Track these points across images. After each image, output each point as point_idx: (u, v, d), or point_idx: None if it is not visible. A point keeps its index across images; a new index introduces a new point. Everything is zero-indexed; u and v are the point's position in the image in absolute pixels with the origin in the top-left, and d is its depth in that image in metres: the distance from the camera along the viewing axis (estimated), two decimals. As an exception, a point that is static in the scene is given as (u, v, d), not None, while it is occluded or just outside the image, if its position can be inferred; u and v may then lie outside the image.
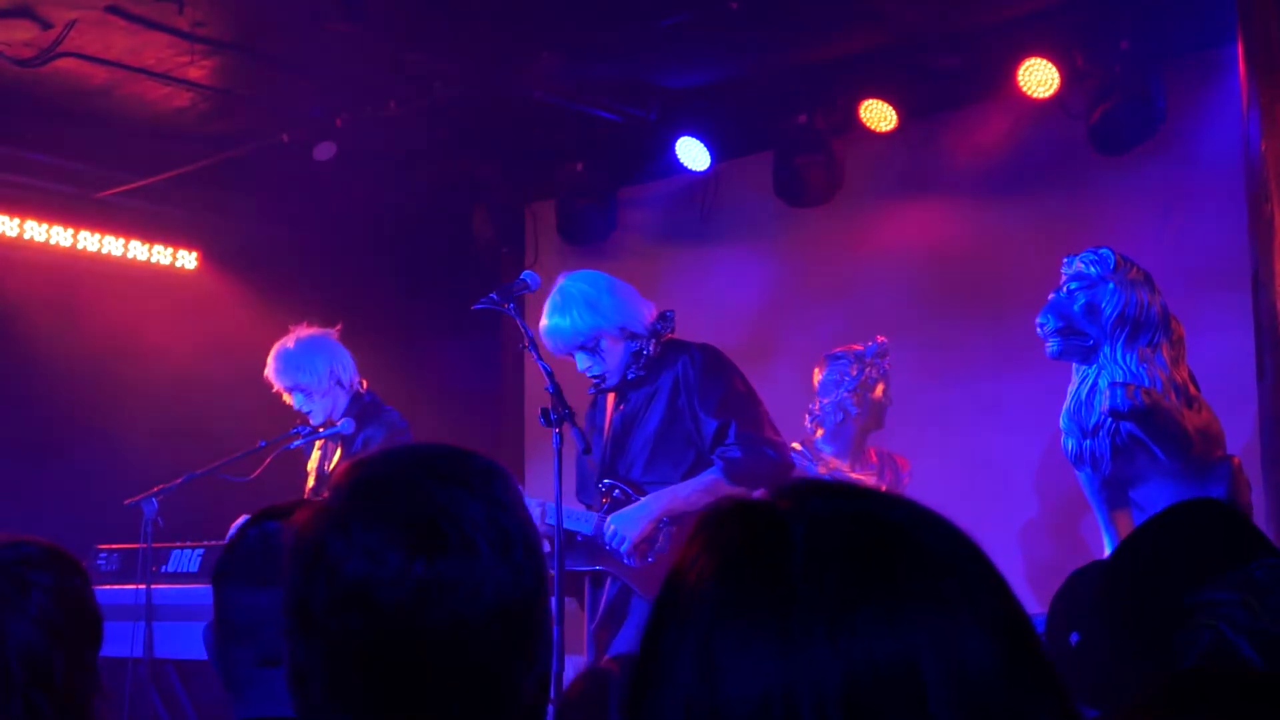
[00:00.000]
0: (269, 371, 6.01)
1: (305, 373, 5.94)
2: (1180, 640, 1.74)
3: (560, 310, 4.98)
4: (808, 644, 0.91)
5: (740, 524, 1.00)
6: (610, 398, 5.16)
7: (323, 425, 5.96)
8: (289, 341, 6.01)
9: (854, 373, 6.53)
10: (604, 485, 5.05)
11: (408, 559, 1.41)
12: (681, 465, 4.93)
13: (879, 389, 6.53)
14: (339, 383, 5.97)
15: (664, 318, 5.05)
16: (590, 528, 4.96)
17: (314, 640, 1.43)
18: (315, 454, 6.18)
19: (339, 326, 6.15)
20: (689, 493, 4.90)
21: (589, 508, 5.12)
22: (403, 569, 1.40)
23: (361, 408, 5.97)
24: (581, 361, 5.03)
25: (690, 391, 4.92)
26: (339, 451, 6.02)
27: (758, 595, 0.94)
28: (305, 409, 6.00)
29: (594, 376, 5.06)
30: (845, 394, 6.47)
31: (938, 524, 1.00)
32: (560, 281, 5.08)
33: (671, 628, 0.98)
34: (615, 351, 4.98)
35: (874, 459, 6.61)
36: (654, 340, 5.00)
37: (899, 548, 0.96)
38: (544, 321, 5.02)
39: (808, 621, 0.92)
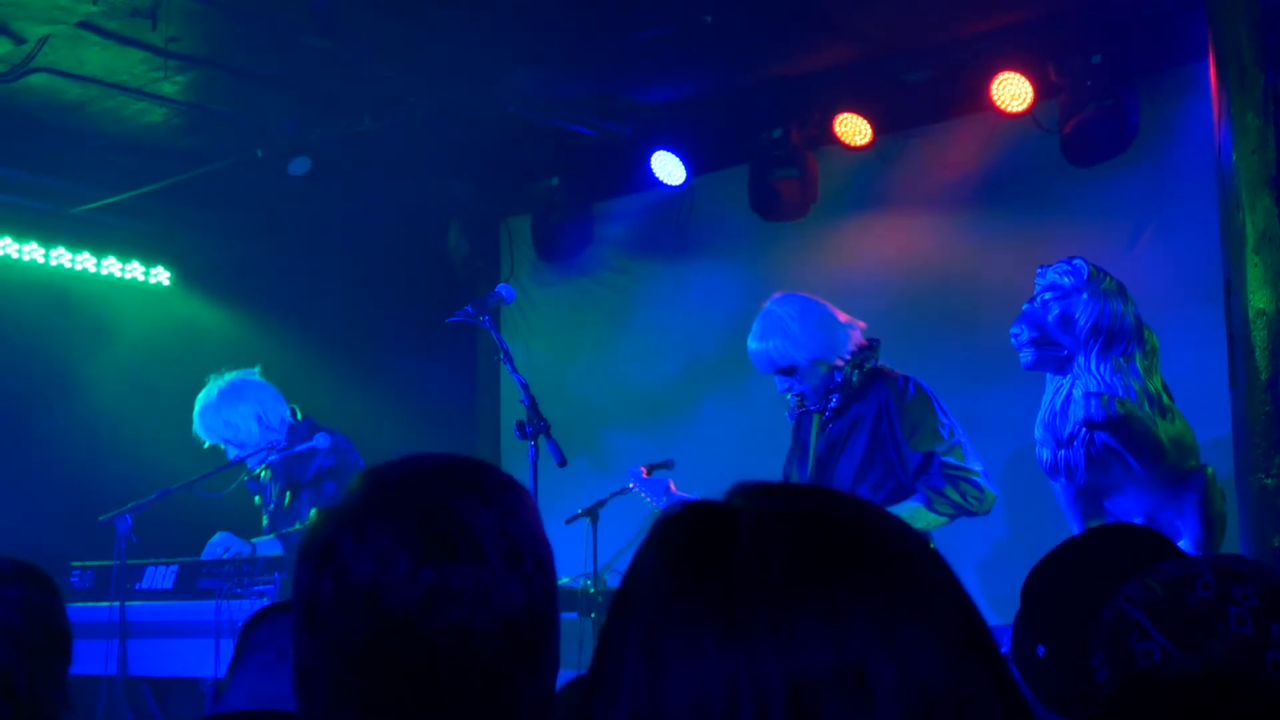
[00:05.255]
0: (194, 427, 5.90)
1: (229, 428, 5.84)
2: (1092, 636, 1.77)
3: (760, 335, 4.98)
4: (750, 640, 0.90)
5: (689, 521, 0.99)
6: (814, 419, 5.10)
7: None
8: (210, 394, 5.89)
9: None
10: None
11: (416, 563, 1.40)
12: (880, 491, 4.88)
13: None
14: (268, 429, 5.86)
15: (870, 346, 5.02)
16: None
17: (319, 638, 1.43)
18: (258, 494, 6.10)
19: (258, 367, 6.03)
20: None
21: None
22: (411, 573, 1.40)
23: (302, 437, 5.87)
24: (780, 384, 5.03)
25: (893, 420, 4.89)
26: (288, 494, 5.91)
27: (702, 590, 0.93)
28: (241, 458, 5.89)
29: (793, 396, 5.04)
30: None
31: (890, 525, 0.98)
32: (768, 304, 5.06)
33: (619, 625, 0.97)
34: (814, 375, 4.96)
35: None
36: (856, 369, 4.97)
37: (846, 546, 0.94)
38: (749, 343, 5.02)
39: (750, 617, 0.90)
